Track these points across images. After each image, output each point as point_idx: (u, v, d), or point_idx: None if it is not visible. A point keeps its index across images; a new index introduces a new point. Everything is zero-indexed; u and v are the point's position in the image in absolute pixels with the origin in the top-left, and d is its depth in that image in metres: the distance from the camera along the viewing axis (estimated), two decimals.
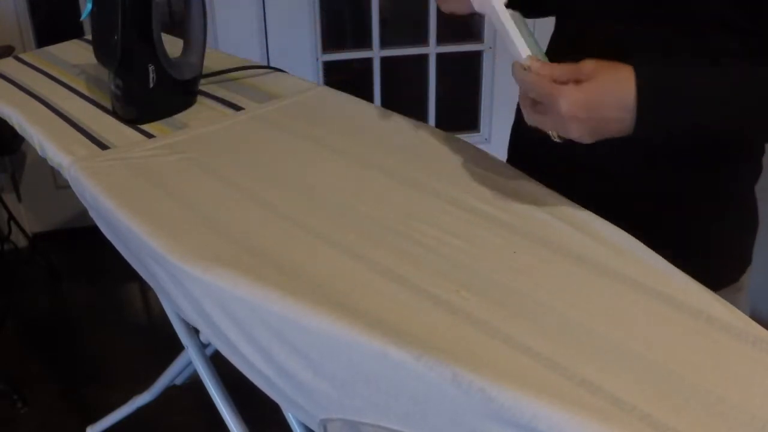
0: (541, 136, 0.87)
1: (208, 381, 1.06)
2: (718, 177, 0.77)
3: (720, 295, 0.80)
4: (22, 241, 2.37)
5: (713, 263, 0.81)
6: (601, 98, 0.61)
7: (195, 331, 1.06)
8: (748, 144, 0.77)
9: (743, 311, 0.83)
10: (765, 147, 0.80)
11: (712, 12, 0.66)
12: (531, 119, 0.66)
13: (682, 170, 0.76)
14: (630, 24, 0.71)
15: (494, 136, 2.57)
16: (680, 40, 0.69)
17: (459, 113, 2.69)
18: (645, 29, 0.70)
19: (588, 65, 0.62)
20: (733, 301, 0.82)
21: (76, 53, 1.28)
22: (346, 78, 2.54)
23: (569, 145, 0.84)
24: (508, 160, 0.94)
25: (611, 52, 0.70)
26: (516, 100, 0.94)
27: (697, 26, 0.67)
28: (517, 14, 0.69)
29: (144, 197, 0.77)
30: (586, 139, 0.63)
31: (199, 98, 1.05)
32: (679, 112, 0.62)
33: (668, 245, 0.65)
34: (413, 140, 0.88)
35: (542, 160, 0.86)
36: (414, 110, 2.54)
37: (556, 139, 0.66)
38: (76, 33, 1.42)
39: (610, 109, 0.61)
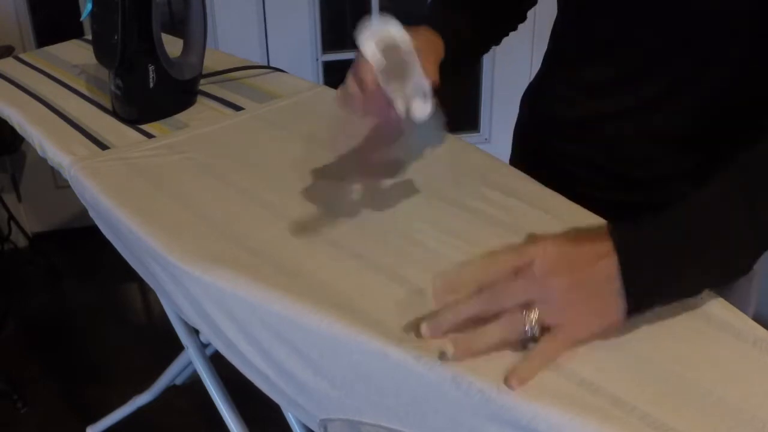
0: (544, 138, 0.87)
1: (208, 381, 1.06)
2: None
3: (734, 286, 0.80)
4: (22, 241, 2.37)
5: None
6: (578, 248, 0.51)
7: (195, 331, 1.06)
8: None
9: (756, 300, 0.84)
10: None
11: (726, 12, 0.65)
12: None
13: (688, 165, 0.76)
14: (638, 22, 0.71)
15: (494, 136, 2.57)
16: (683, 40, 0.68)
17: (459, 113, 2.69)
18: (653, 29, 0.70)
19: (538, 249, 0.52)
20: (747, 290, 0.82)
21: (76, 53, 1.28)
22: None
23: (572, 146, 0.84)
24: (511, 160, 0.95)
25: (616, 50, 0.70)
26: (516, 99, 0.94)
27: (705, 28, 0.67)
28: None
29: (144, 197, 0.77)
30: (592, 325, 0.51)
31: (199, 98, 1.05)
32: (668, 268, 0.52)
33: None
34: (413, 140, 0.88)
35: (544, 160, 0.86)
36: None
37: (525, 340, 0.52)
38: (76, 33, 1.41)
39: (589, 255, 0.51)
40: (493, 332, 0.51)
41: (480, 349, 0.51)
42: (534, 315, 0.50)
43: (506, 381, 0.49)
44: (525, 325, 0.50)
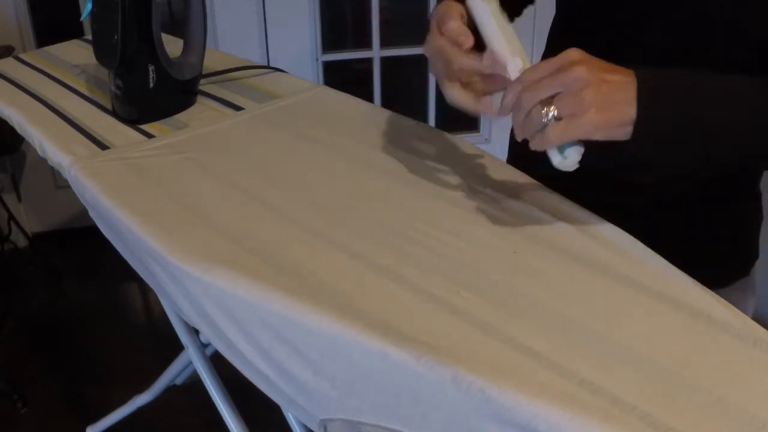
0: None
1: (208, 381, 1.06)
2: (725, 175, 0.77)
3: (731, 290, 0.81)
4: (22, 241, 2.37)
5: (723, 259, 0.81)
6: (608, 66, 0.57)
7: (195, 331, 1.06)
8: None
9: (753, 303, 0.84)
10: None
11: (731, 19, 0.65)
12: (528, 126, 0.59)
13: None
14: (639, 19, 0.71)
15: (494, 136, 2.57)
16: (687, 41, 0.68)
17: (459, 113, 2.68)
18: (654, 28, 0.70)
19: (575, 51, 0.58)
20: (743, 295, 0.82)
21: (76, 53, 1.28)
22: (346, 78, 2.54)
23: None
24: (508, 160, 0.94)
25: (620, 43, 0.70)
26: None
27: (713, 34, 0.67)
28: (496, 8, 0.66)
29: (144, 197, 0.77)
30: (596, 119, 0.55)
31: (199, 98, 1.05)
32: (682, 106, 0.57)
33: (676, 245, 0.64)
34: (413, 140, 0.88)
35: (542, 159, 0.86)
36: (414, 110, 2.54)
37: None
38: (76, 33, 1.42)
39: (617, 73, 0.57)
40: (520, 122, 0.58)
41: (520, 133, 0.60)
42: (552, 109, 0.56)
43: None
44: (542, 117, 0.57)
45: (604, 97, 0.55)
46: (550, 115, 0.56)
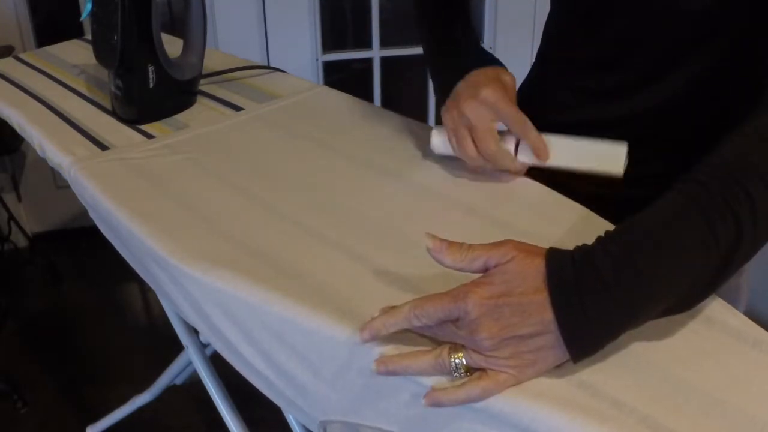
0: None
1: (208, 381, 1.06)
2: None
3: (725, 284, 0.81)
4: (22, 241, 2.37)
5: None
6: (510, 297, 0.48)
7: (195, 331, 1.06)
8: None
9: (745, 295, 0.84)
10: None
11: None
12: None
13: (684, 164, 0.76)
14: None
15: None
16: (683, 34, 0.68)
17: None
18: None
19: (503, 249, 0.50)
20: (736, 285, 0.82)
21: (76, 53, 1.28)
22: (346, 78, 2.54)
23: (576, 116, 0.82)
24: None
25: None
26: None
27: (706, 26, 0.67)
28: None
29: (144, 198, 0.77)
30: (505, 363, 0.48)
31: (199, 98, 1.05)
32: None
33: None
34: (413, 140, 0.88)
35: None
36: (414, 110, 2.54)
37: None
38: (76, 33, 1.41)
39: (522, 302, 0.47)
40: (420, 365, 0.51)
41: (403, 371, 0.51)
42: (460, 360, 0.49)
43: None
44: (451, 370, 0.50)
45: (518, 350, 0.48)
46: (461, 368, 0.50)
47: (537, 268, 0.48)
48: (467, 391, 0.49)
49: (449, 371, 0.50)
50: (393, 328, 0.52)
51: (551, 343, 0.47)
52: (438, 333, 0.51)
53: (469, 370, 0.50)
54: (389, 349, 0.53)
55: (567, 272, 0.47)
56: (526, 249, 0.50)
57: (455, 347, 0.50)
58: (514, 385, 0.49)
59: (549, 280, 0.47)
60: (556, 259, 0.48)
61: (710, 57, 0.68)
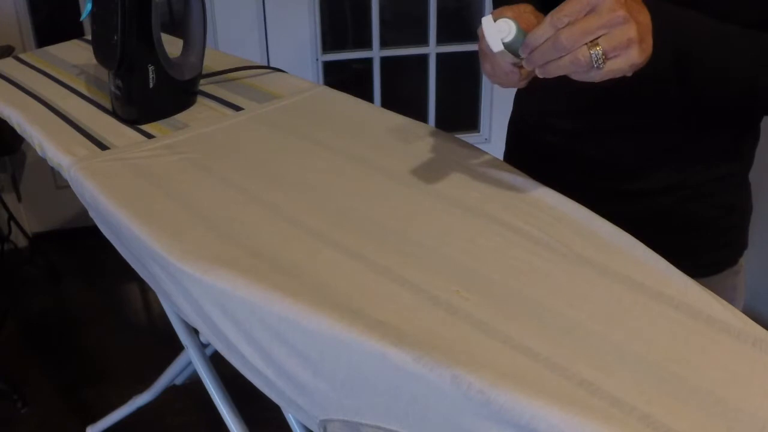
0: (539, 126, 0.87)
1: (208, 381, 1.06)
2: (718, 166, 0.78)
3: (720, 278, 0.82)
4: (22, 241, 2.37)
5: (712, 247, 0.81)
6: (631, 3, 0.59)
7: (195, 331, 1.06)
8: (746, 123, 0.77)
9: (742, 293, 0.85)
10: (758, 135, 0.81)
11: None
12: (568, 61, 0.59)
13: (682, 162, 0.77)
14: None
15: (494, 136, 2.57)
16: None
17: (459, 113, 2.69)
18: None
19: None
20: (733, 284, 0.83)
21: (76, 53, 1.28)
22: (346, 78, 2.54)
23: (567, 136, 0.83)
24: (505, 157, 0.95)
25: None
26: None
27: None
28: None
29: (144, 198, 0.77)
30: (639, 55, 0.58)
31: (199, 98, 1.05)
32: (685, 32, 0.63)
33: (669, 233, 0.64)
34: (413, 140, 0.88)
35: (540, 154, 0.86)
36: (414, 110, 2.54)
37: (594, 69, 0.59)
38: (76, 33, 1.42)
39: (641, 12, 0.59)
40: (565, 64, 0.58)
41: (554, 71, 0.59)
42: (597, 51, 0.57)
43: None
44: (592, 63, 0.58)
45: (642, 35, 0.58)
46: (600, 53, 0.58)
47: None
48: (610, 65, 0.57)
49: (590, 64, 0.57)
50: (541, 38, 0.58)
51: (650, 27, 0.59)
52: (575, 30, 0.57)
53: (606, 60, 0.58)
54: (389, 349, 0.53)
55: None
56: None
57: (591, 44, 0.57)
58: (638, 59, 0.58)
59: None
60: None
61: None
